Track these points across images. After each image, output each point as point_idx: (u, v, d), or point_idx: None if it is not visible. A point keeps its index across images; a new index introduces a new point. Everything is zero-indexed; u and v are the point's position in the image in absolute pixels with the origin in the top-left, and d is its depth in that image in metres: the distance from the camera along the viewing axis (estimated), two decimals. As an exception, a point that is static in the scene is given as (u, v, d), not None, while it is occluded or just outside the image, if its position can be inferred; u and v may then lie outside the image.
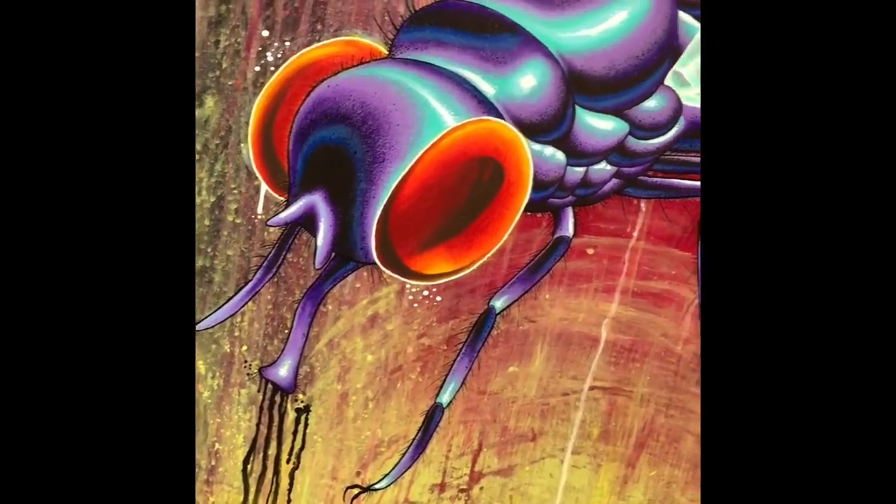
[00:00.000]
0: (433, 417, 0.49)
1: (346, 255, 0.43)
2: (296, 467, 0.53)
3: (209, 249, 0.51)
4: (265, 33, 0.49)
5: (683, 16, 0.45)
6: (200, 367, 0.52)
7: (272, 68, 0.49)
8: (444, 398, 0.49)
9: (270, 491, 0.53)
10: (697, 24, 0.45)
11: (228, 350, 0.52)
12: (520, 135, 0.42)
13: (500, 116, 0.42)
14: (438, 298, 0.52)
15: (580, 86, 0.44)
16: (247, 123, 0.47)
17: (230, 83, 0.50)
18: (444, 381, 0.49)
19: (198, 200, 0.50)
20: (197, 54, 0.50)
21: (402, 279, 0.44)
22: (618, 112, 0.45)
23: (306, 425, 0.52)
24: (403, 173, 0.40)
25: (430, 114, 0.41)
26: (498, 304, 0.49)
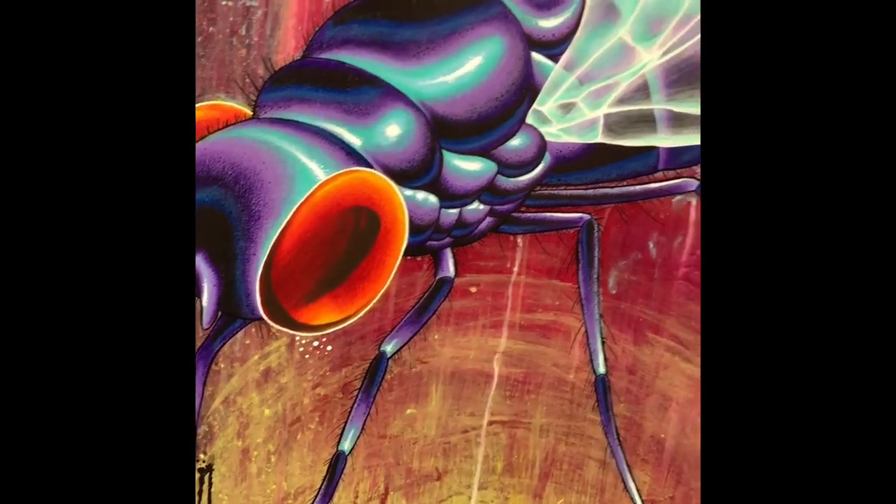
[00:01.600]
0: (337, 465, 0.50)
1: (232, 313, 0.44)
2: (204, 527, 0.53)
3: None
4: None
5: (537, 56, 0.46)
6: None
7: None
8: (346, 445, 0.49)
9: (181, 554, 0.53)
10: (552, 63, 0.47)
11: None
12: (391, 182, 0.43)
13: (369, 166, 0.43)
14: (329, 348, 0.52)
15: (444, 130, 0.45)
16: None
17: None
18: (344, 428, 0.49)
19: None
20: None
21: (291, 332, 0.44)
22: (484, 153, 0.47)
23: (210, 484, 0.53)
24: (280, 229, 0.41)
25: (301, 169, 0.42)
26: (388, 348, 0.49)
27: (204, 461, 0.52)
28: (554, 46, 0.46)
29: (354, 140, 0.44)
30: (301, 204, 0.41)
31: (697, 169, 0.51)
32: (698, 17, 0.46)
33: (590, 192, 0.51)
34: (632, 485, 0.53)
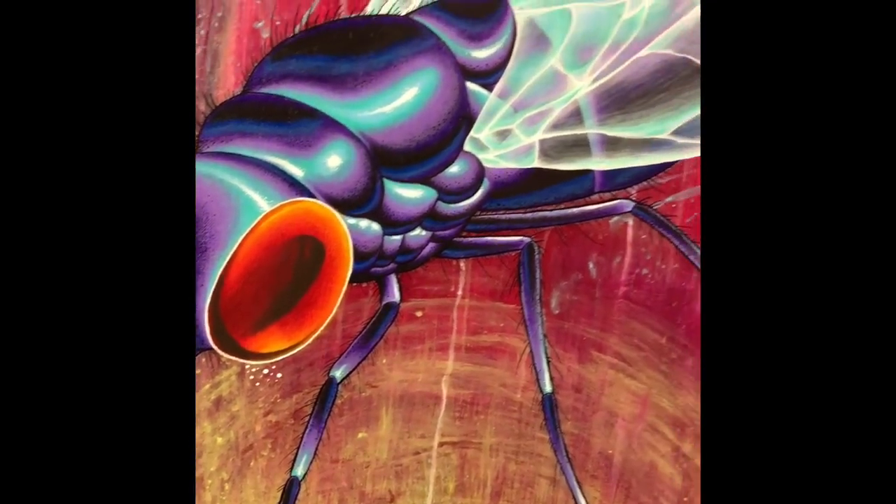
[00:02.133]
0: (290, 491, 0.50)
1: (182, 344, 0.44)
2: (161, 557, 0.53)
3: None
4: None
5: (472, 85, 0.48)
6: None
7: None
8: (299, 471, 0.50)
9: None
10: (486, 92, 0.48)
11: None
12: (334, 211, 0.44)
13: (312, 196, 0.44)
14: (279, 375, 0.53)
15: (384, 159, 0.46)
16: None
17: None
18: (297, 454, 0.50)
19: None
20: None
21: (241, 360, 0.45)
22: (424, 180, 0.47)
23: (166, 514, 0.53)
24: (226, 260, 0.42)
25: (245, 201, 0.43)
26: (338, 373, 0.50)
27: (159, 491, 0.53)
28: (488, 76, 0.48)
29: (296, 171, 0.44)
30: (246, 235, 0.42)
31: (633, 190, 0.52)
32: (626, 44, 0.48)
33: (528, 215, 0.52)
34: (582, 501, 0.54)
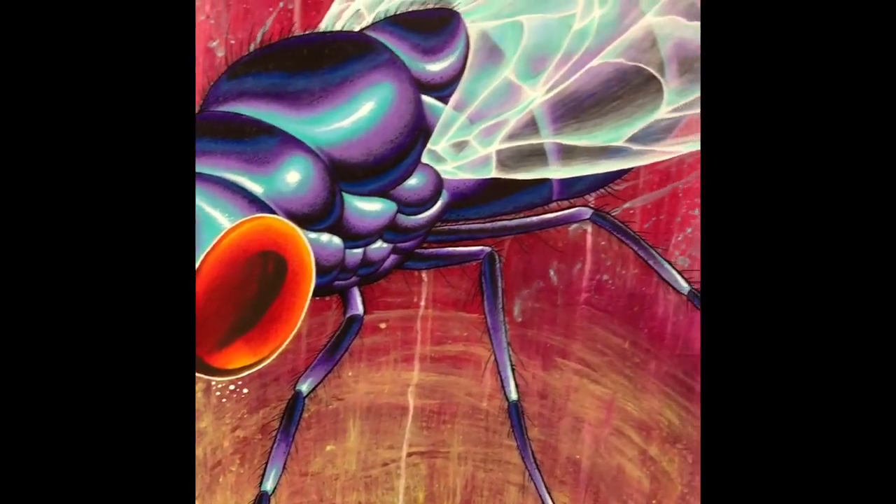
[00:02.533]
0: (261, 506, 0.50)
1: (148, 362, 0.44)
2: (132, 575, 0.53)
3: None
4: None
5: (427, 98, 0.48)
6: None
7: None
8: (268, 485, 0.50)
9: None
10: (442, 105, 0.48)
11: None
12: (295, 226, 0.44)
13: (272, 212, 0.44)
14: (245, 390, 0.53)
15: (343, 173, 0.46)
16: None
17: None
18: (265, 469, 0.50)
19: None
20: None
21: (207, 377, 0.45)
22: (383, 193, 0.48)
23: (136, 532, 0.53)
24: None
25: (205, 218, 0.43)
26: (304, 387, 0.50)
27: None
28: (443, 88, 0.48)
29: (256, 188, 0.45)
30: (208, 252, 0.42)
31: (590, 198, 0.53)
32: (579, 54, 0.48)
33: (488, 225, 0.52)
34: (552, 507, 0.54)
